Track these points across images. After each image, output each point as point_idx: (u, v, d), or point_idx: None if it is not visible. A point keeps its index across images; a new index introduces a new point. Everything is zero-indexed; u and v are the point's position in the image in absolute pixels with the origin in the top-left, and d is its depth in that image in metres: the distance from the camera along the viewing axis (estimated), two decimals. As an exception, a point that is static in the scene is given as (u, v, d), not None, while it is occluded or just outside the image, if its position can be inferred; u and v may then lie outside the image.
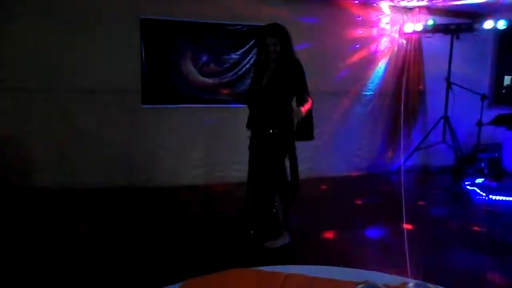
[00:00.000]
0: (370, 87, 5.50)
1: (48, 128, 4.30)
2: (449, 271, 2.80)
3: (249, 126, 3.04)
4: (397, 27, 5.46)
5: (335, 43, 5.22)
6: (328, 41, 5.17)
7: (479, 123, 5.00)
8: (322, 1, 5.00)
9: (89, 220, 3.60)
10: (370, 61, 5.44)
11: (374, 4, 5.28)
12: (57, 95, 4.30)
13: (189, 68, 4.68)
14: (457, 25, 5.14)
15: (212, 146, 4.89)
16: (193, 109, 4.77)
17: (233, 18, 4.75)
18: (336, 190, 4.90)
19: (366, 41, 5.38)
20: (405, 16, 5.43)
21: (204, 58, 4.72)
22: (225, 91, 4.75)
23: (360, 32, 5.32)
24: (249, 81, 3.24)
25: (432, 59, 5.51)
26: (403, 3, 5.28)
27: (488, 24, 5.02)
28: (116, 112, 4.49)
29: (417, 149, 5.57)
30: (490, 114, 5.17)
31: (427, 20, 5.27)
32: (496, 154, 5.07)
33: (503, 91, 6.00)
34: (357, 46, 5.34)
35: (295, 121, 2.74)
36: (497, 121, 5.08)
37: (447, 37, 5.26)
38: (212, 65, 4.76)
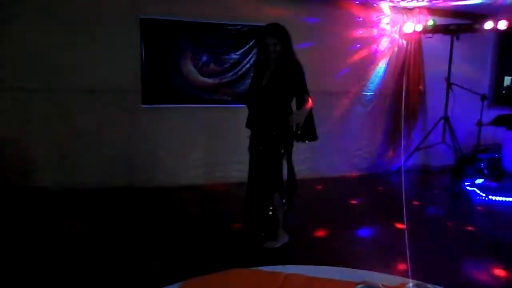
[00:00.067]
0: (370, 87, 5.50)
1: (48, 128, 4.31)
2: (448, 272, 2.80)
3: (248, 126, 3.04)
4: (397, 28, 5.46)
5: (335, 43, 5.22)
6: (328, 41, 5.17)
7: (479, 124, 5.00)
8: (322, 1, 5.00)
9: (89, 220, 3.60)
10: (370, 61, 5.44)
11: (375, 5, 5.28)
12: (57, 95, 4.30)
13: (189, 68, 4.68)
14: (457, 26, 5.14)
15: (212, 146, 4.89)
16: (193, 109, 4.77)
17: (233, 18, 4.75)
18: (336, 190, 4.90)
19: (366, 41, 5.38)
20: (405, 17, 5.43)
21: (204, 58, 4.72)
22: (225, 91, 4.75)
23: (361, 32, 5.32)
24: (249, 81, 3.24)
25: (432, 60, 5.51)
26: (403, 4, 5.28)
27: (488, 25, 5.02)
28: (116, 112, 4.49)
29: (417, 149, 5.58)
30: (490, 115, 5.18)
31: (427, 21, 5.27)
32: (496, 155, 5.07)
33: (503, 91, 6.00)
34: (358, 46, 5.34)
35: (293, 125, 2.74)
36: (497, 122, 5.08)
37: (447, 38, 5.26)
38: (212, 65, 4.76)
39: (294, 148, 3.00)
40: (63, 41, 4.19)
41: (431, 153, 5.70)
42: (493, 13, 5.19)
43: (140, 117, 4.59)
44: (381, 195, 4.88)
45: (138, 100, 4.54)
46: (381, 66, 5.50)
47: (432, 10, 5.44)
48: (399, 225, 3.76)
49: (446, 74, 5.32)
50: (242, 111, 3.12)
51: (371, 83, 5.49)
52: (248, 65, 4.82)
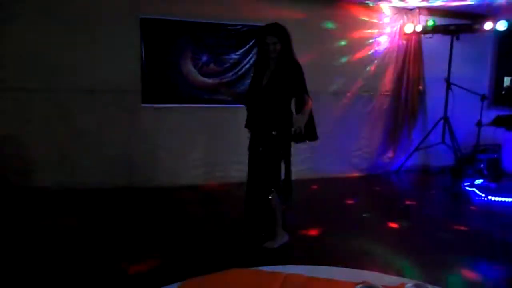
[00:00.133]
0: (370, 88, 5.50)
1: (48, 128, 4.31)
2: (446, 272, 2.81)
3: (248, 126, 3.04)
4: (397, 28, 5.46)
5: (335, 43, 5.23)
6: (328, 41, 5.18)
7: (479, 124, 5.00)
8: (323, 1, 5.01)
9: (89, 220, 3.60)
10: (370, 62, 5.44)
11: (375, 5, 5.28)
12: (57, 95, 4.30)
13: (189, 68, 4.68)
14: (457, 26, 5.15)
15: (212, 146, 4.89)
16: (193, 109, 4.77)
17: (233, 18, 4.76)
18: (336, 191, 4.90)
19: (366, 42, 5.38)
20: (405, 17, 5.44)
21: (204, 58, 4.73)
22: (225, 91, 4.74)
23: (361, 32, 5.32)
24: (249, 81, 3.24)
25: (432, 60, 5.51)
26: (403, 4, 5.28)
27: (488, 25, 5.03)
28: (116, 112, 4.49)
29: (417, 149, 5.58)
30: (489, 115, 5.18)
31: (427, 21, 5.27)
32: (496, 155, 5.07)
33: (503, 92, 6.00)
34: (358, 46, 5.34)
35: (296, 129, 2.74)
36: (497, 122, 5.08)
37: (447, 38, 5.27)
38: (212, 65, 4.77)
39: (293, 149, 3.00)
40: (63, 41, 4.19)
41: (431, 153, 5.70)
42: (493, 13, 5.20)
43: (140, 117, 4.60)
44: (381, 195, 4.89)
45: (138, 100, 4.54)
46: (381, 66, 5.50)
47: (432, 11, 5.44)
48: (398, 225, 3.76)
49: (446, 74, 5.33)
50: (242, 111, 3.12)
51: (371, 83, 5.49)
52: (248, 65, 4.83)
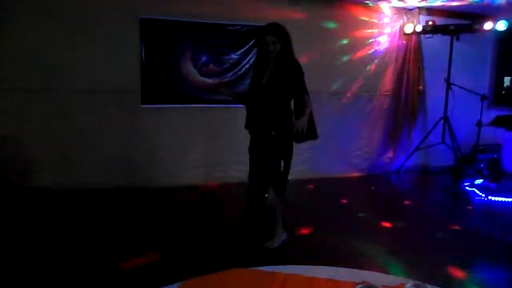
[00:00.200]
0: (370, 88, 5.51)
1: (48, 128, 4.31)
2: (445, 271, 2.81)
3: (247, 127, 3.04)
4: (397, 28, 5.47)
5: (335, 43, 5.23)
6: (328, 41, 5.18)
7: (479, 124, 5.00)
8: (322, 1, 5.01)
9: (89, 220, 3.61)
10: (370, 62, 5.45)
11: (374, 5, 5.29)
12: (57, 95, 4.31)
13: (189, 68, 4.68)
14: (457, 26, 5.15)
15: (212, 146, 4.90)
16: (193, 109, 4.77)
17: (233, 18, 4.76)
18: (336, 191, 4.90)
19: (366, 42, 5.38)
20: (405, 17, 5.44)
21: (204, 58, 4.73)
22: (224, 91, 4.74)
23: (361, 32, 5.33)
24: (248, 81, 3.24)
25: (432, 60, 5.52)
26: (403, 4, 5.29)
27: (487, 25, 5.03)
28: (116, 112, 4.50)
29: (416, 149, 5.58)
30: (489, 115, 5.18)
31: (426, 21, 5.27)
32: (496, 155, 5.07)
33: (503, 92, 6.00)
34: (358, 46, 5.34)
35: (298, 129, 2.75)
36: (497, 122, 5.09)
37: (447, 38, 5.27)
38: (211, 65, 4.77)
39: (294, 149, 3.00)
40: (63, 41, 4.20)
41: (431, 153, 5.71)
42: (493, 13, 5.20)
43: (140, 117, 4.60)
44: (380, 196, 4.89)
45: (138, 100, 4.55)
46: (381, 66, 5.51)
47: (432, 11, 5.44)
48: (398, 225, 3.77)
49: (445, 75, 5.33)
50: (241, 111, 3.11)
51: (371, 83, 5.49)
52: (247, 65, 4.83)
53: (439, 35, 5.26)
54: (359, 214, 4.03)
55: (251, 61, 4.79)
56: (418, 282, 1.31)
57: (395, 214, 4.08)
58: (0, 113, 4.14)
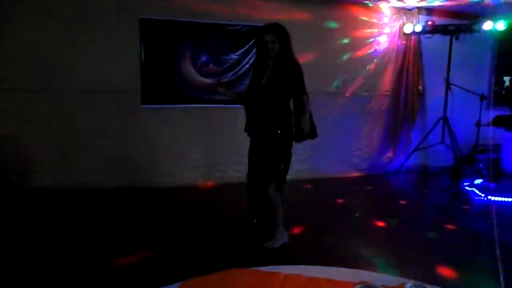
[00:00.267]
0: (370, 87, 5.51)
1: (48, 128, 4.31)
2: (443, 271, 2.81)
3: (247, 130, 3.03)
4: (396, 28, 5.47)
5: (334, 43, 5.23)
6: (328, 41, 5.18)
7: (478, 124, 5.01)
8: (322, 1, 5.01)
9: (88, 220, 3.61)
10: (369, 61, 5.45)
11: (374, 5, 5.29)
12: (57, 95, 4.31)
13: (189, 68, 4.69)
14: (457, 26, 5.15)
15: (212, 146, 4.90)
16: (193, 109, 4.78)
17: (233, 18, 4.76)
18: (336, 191, 4.91)
19: (366, 42, 5.39)
20: (404, 17, 5.44)
21: (204, 58, 4.73)
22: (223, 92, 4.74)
23: (360, 32, 5.33)
24: (248, 81, 3.24)
25: (431, 60, 5.52)
26: (402, 4, 5.29)
27: (487, 25, 5.03)
28: (116, 112, 4.50)
29: (416, 149, 5.59)
30: (489, 115, 5.19)
31: (426, 21, 5.28)
32: (495, 155, 5.08)
33: (503, 92, 6.01)
34: (357, 46, 5.35)
35: (302, 130, 2.79)
36: (496, 122, 5.09)
37: (447, 38, 5.27)
38: (211, 65, 4.77)
39: (293, 149, 3.01)
40: (63, 41, 4.20)
41: (430, 154, 5.71)
42: (492, 13, 5.20)
43: (140, 117, 4.60)
44: (380, 196, 4.89)
45: (138, 100, 4.55)
46: (381, 66, 5.51)
47: (431, 11, 5.45)
48: (397, 226, 3.77)
49: (445, 75, 5.33)
50: (241, 111, 3.12)
51: (370, 83, 5.50)
52: (247, 66, 4.83)
53: (438, 35, 5.26)
54: (359, 214, 4.03)
55: (251, 61, 4.79)
56: (418, 282, 1.31)
57: (395, 214, 4.08)
58: (0, 113, 4.14)
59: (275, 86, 2.87)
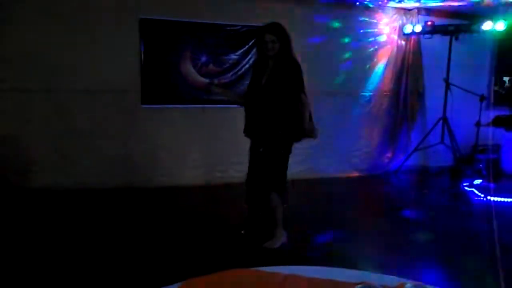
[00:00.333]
0: (369, 88, 5.52)
1: (48, 128, 4.31)
2: (443, 271, 2.82)
3: (247, 131, 3.02)
4: (396, 28, 5.48)
5: (334, 43, 5.23)
6: (327, 41, 5.18)
7: (478, 124, 5.01)
8: (322, 2, 5.01)
9: (89, 220, 3.61)
10: (369, 62, 5.45)
11: (374, 5, 5.29)
12: (57, 95, 4.31)
13: (189, 68, 4.69)
14: (456, 26, 5.15)
15: (212, 146, 4.90)
16: (192, 109, 4.78)
17: (233, 19, 4.76)
18: (335, 191, 4.91)
19: (366, 42, 5.39)
20: (404, 17, 5.45)
21: (203, 59, 4.73)
22: (221, 92, 4.74)
23: (360, 32, 5.33)
24: (248, 81, 3.24)
25: (431, 60, 5.53)
26: (402, 4, 5.29)
27: (487, 25, 5.03)
28: (116, 112, 4.50)
29: (416, 150, 5.59)
30: (489, 115, 5.19)
31: (426, 22, 5.28)
32: (495, 155, 5.08)
33: (502, 92, 6.01)
34: (357, 46, 5.35)
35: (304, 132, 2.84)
36: (496, 122, 5.10)
37: (446, 38, 5.27)
38: (211, 66, 4.77)
39: (293, 149, 3.02)
40: (63, 41, 4.20)
41: (430, 154, 5.71)
42: (492, 13, 5.21)
43: (140, 117, 4.60)
44: (380, 196, 4.90)
45: (138, 100, 4.55)
46: (380, 66, 5.51)
47: (431, 11, 5.45)
48: (397, 226, 3.77)
49: (445, 75, 5.33)
50: (241, 111, 3.12)
51: (370, 84, 5.50)
52: (247, 66, 4.83)
53: (438, 35, 5.26)
54: (359, 215, 4.03)
55: (250, 62, 4.79)
56: (417, 282, 1.31)
57: (394, 214, 4.09)
58: (0, 113, 4.14)
59: (275, 85, 2.87)
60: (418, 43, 5.51)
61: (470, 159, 4.99)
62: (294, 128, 2.88)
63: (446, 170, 5.32)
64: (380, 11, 5.39)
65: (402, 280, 1.35)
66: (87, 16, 4.23)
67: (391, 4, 5.27)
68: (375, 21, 5.40)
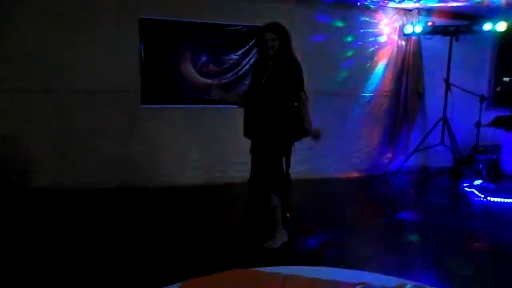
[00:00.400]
0: (370, 88, 5.51)
1: (48, 128, 4.31)
2: (441, 272, 2.82)
3: (247, 133, 3.02)
4: (396, 29, 5.48)
5: (334, 43, 5.23)
6: (328, 41, 5.18)
7: (478, 125, 5.01)
8: (322, 2, 5.01)
9: (88, 220, 3.61)
10: (369, 62, 5.45)
11: (374, 6, 5.29)
12: (57, 95, 4.31)
13: (189, 68, 4.69)
14: (457, 27, 5.15)
15: (212, 146, 4.90)
16: (192, 109, 4.78)
17: (233, 19, 4.76)
18: (335, 191, 4.91)
19: (366, 43, 5.39)
20: (404, 18, 5.45)
21: (204, 59, 4.73)
22: (216, 92, 4.73)
23: (360, 32, 5.33)
24: (248, 82, 3.25)
25: (431, 61, 5.52)
26: (402, 5, 5.29)
27: (487, 26, 5.03)
28: (116, 112, 4.50)
29: (416, 150, 5.59)
30: (489, 116, 5.18)
31: (426, 22, 5.28)
32: (495, 156, 5.08)
33: (503, 92, 6.00)
34: (357, 47, 5.35)
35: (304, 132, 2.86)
36: (496, 123, 5.09)
37: (447, 39, 5.28)
38: (211, 66, 4.77)
39: (293, 149, 3.02)
40: (63, 41, 4.20)
41: (430, 154, 5.71)
42: (492, 14, 5.21)
43: (140, 117, 4.60)
44: (379, 196, 4.90)
45: (138, 100, 4.55)
46: (381, 67, 5.51)
47: (431, 11, 5.45)
48: (396, 226, 3.77)
49: (445, 75, 5.33)
50: (241, 111, 3.12)
51: (370, 84, 5.50)
52: (247, 66, 4.83)
53: (438, 36, 5.26)
54: (359, 215, 4.03)
55: (251, 62, 4.79)
56: (417, 283, 1.31)
57: (394, 214, 4.09)
58: (0, 113, 4.14)
59: (275, 84, 2.87)
60: (418, 44, 5.51)
61: (470, 160, 4.99)
62: (294, 127, 2.88)
63: (446, 170, 5.31)
64: (380, 11, 5.39)
65: (402, 280, 1.35)
66: (87, 16, 4.24)
67: (392, 4, 5.27)
68: (375, 21, 5.39)
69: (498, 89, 5.94)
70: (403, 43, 5.51)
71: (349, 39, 5.30)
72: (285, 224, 3.13)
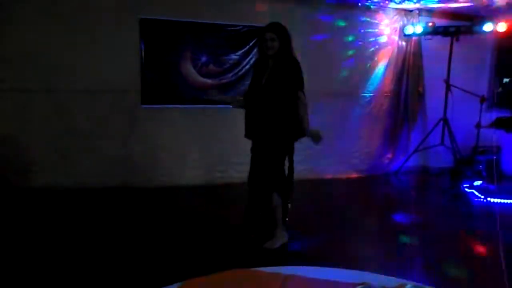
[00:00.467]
0: (370, 89, 5.51)
1: (48, 128, 4.31)
2: (441, 272, 2.82)
3: (247, 133, 3.02)
4: (397, 29, 5.48)
5: (334, 44, 5.23)
6: (328, 41, 5.18)
7: (478, 126, 5.00)
8: (322, 2, 5.01)
9: (88, 220, 3.61)
10: (369, 62, 5.45)
11: (374, 6, 5.29)
12: (57, 95, 4.31)
13: (189, 69, 4.69)
14: (457, 28, 5.15)
15: (212, 146, 4.90)
16: (192, 109, 4.77)
17: (233, 19, 4.76)
18: (335, 191, 4.91)
19: (366, 43, 5.39)
20: (405, 18, 5.45)
21: (204, 59, 4.73)
22: (215, 94, 4.73)
23: (361, 32, 5.33)
24: (248, 82, 3.25)
25: (432, 61, 5.52)
26: (403, 5, 5.29)
27: (487, 27, 5.03)
28: (116, 112, 4.50)
29: (416, 151, 5.58)
30: (489, 117, 5.18)
31: (427, 23, 5.28)
32: (495, 157, 5.07)
33: (503, 93, 6.00)
34: (357, 47, 5.35)
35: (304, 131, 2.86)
36: (496, 124, 5.09)
37: (447, 39, 5.27)
38: (211, 66, 4.77)
39: (293, 148, 3.02)
40: (63, 41, 4.20)
41: (430, 155, 5.71)
42: (493, 15, 5.21)
43: (140, 117, 4.60)
44: (379, 197, 4.89)
45: (138, 100, 4.55)
46: (381, 67, 5.51)
47: (432, 12, 5.45)
48: (396, 226, 3.77)
49: (445, 76, 5.33)
50: (241, 111, 3.12)
51: (370, 85, 5.50)
52: (247, 66, 4.83)
53: (439, 36, 5.26)
54: (359, 215, 4.03)
55: (251, 62, 4.78)
56: (417, 283, 1.31)
57: (394, 215, 4.09)
58: (0, 113, 4.14)
59: (274, 85, 2.87)
60: (418, 44, 5.51)
61: (470, 161, 4.98)
62: (294, 127, 2.88)
63: (446, 171, 5.31)
64: (381, 11, 5.39)
65: (402, 281, 1.35)
66: (87, 16, 4.23)
67: (392, 5, 5.27)
68: (376, 21, 5.40)
69: (499, 90, 5.94)
70: (404, 43, 5.52)
71: (350, 39, 5.30)
72: (284, 224, 3.13)
